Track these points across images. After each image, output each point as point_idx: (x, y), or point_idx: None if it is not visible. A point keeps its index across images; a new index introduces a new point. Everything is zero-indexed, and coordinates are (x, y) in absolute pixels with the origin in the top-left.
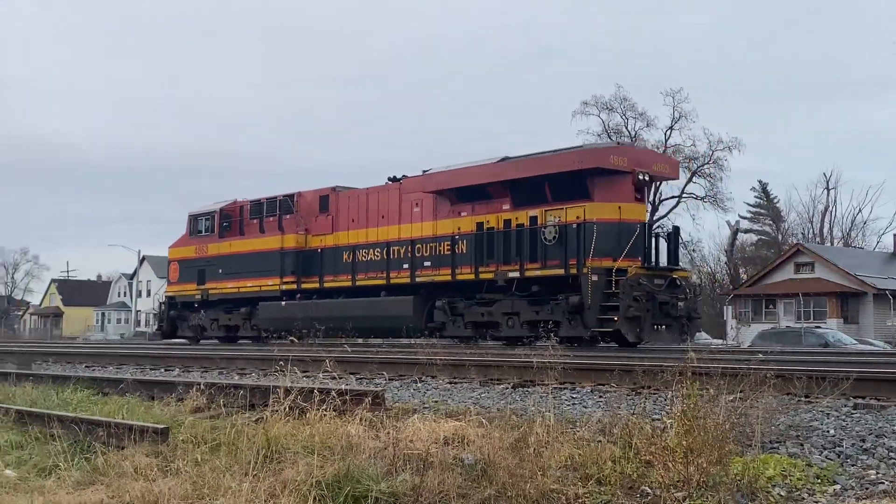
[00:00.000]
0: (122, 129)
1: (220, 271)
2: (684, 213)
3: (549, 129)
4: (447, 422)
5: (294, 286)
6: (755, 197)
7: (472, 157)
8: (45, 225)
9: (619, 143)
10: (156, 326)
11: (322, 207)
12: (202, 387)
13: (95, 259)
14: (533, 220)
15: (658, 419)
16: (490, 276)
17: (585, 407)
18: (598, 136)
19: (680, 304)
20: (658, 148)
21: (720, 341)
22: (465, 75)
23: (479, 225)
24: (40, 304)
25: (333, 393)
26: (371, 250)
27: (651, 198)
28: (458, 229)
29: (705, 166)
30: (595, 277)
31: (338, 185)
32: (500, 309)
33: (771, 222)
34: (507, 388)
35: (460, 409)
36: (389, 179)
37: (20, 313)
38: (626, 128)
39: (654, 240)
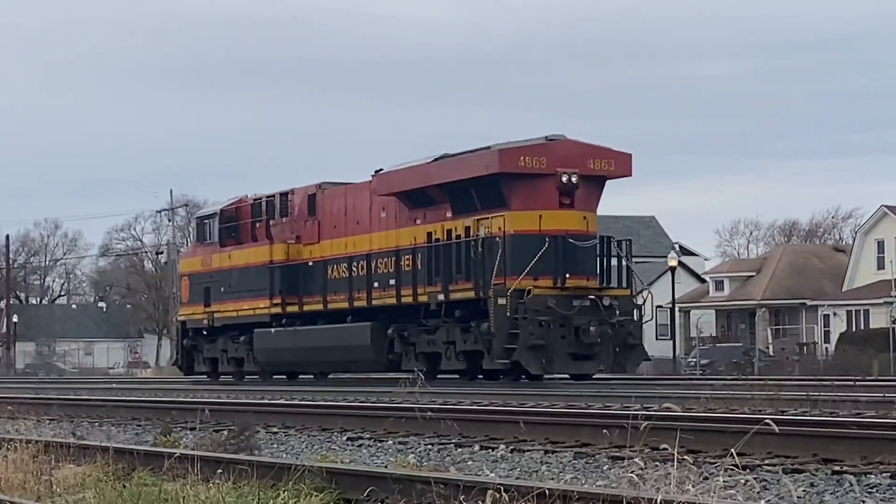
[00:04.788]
0: None
1: (222, 289)
2: None
3: None
4: None
5: (280, 309)
6: None
7: None
8: None
9: (549, 139)
10: (172, 360)
11: (310, 210)
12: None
13: None
14: (468, 230)
15: None
16: (425, 298)
17: None
18: None
19: (605, 328)
20: None
21: None
22: None
23: (429, 235)
24: None
25: None
26: (341, 265)
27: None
28: (415, 240)
29: None
30: (501, 300)
31: (324, 182)
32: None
33: None
34: None
35: None
36: (375, 173)
37: None
38: None
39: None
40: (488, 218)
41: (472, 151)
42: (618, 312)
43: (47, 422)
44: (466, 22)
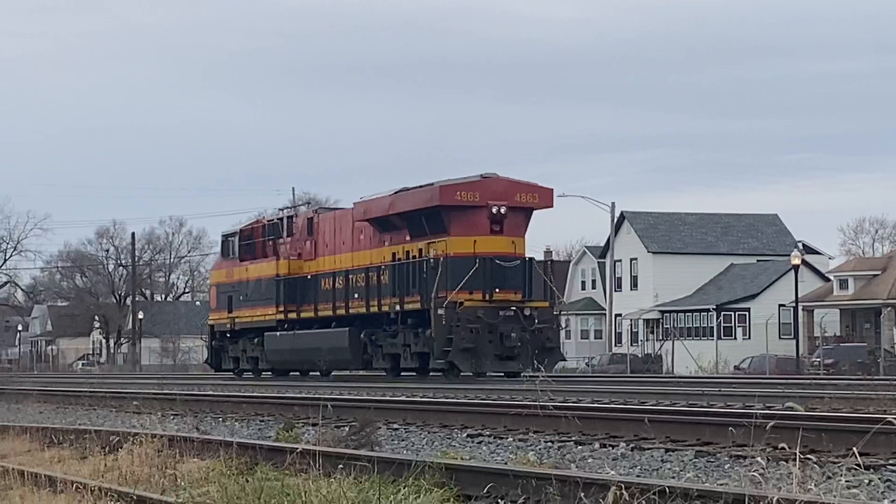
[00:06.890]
0: None
1: (241, 298)
2: None
3: None
4: None
5: (283, 316)
6: None
7: None
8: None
9: (483, 176)
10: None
11: (309, 231)
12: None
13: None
14: (420, 251)
15: None
16: (387, 308)
17: None
18: None
19: (525, 334)
20: None
21: None
22: None
23: (394, 255)
24: None
25: None
26: (329, 279)
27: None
28: (383, 259)
29: None
30: (440, 311)
31: (321, 207)
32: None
33: None
34: None
35: None
36: (356, 202)
37: None
38: None
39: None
40: (435, 242)
41: (421, 187)
42: (537, 321)
43: (171, 417)
44: (588, 20)
